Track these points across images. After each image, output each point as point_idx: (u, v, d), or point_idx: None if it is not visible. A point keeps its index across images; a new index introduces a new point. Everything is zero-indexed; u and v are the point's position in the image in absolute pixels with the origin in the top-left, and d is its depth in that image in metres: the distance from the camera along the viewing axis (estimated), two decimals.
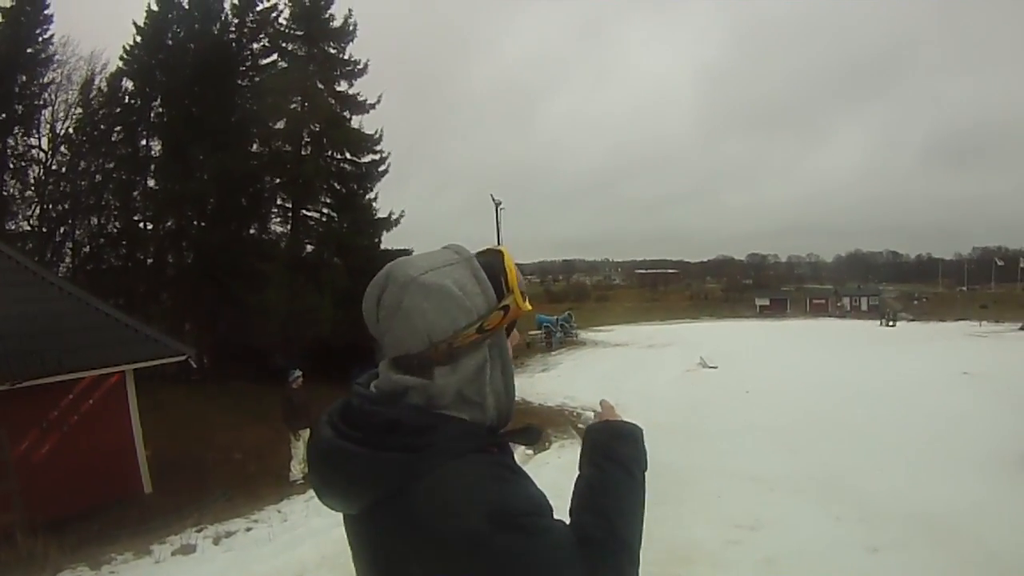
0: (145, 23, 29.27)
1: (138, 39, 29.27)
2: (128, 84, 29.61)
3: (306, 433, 13.74)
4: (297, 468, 13.55)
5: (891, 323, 61.26)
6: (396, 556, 1.20)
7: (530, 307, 1.33)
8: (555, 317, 46.69)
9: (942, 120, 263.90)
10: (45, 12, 28.11)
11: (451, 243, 1.38)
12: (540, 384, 23.90)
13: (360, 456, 1.21)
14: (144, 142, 29.79)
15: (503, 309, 1.28)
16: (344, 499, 1.27)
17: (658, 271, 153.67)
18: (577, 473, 1.41)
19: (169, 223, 28.71)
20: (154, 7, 29.37)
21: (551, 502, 1.25)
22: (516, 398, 1.36)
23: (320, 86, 28.28)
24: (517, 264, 1.35)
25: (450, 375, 1.27)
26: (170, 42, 29.53)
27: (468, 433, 1.25)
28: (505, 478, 1.20)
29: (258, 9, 29.97)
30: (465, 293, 1.27)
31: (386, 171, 28.51)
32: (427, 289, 1.27)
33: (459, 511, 1.13)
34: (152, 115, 29.43)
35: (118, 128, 29.34)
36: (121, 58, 29.49)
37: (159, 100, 29.26)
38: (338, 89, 28.58)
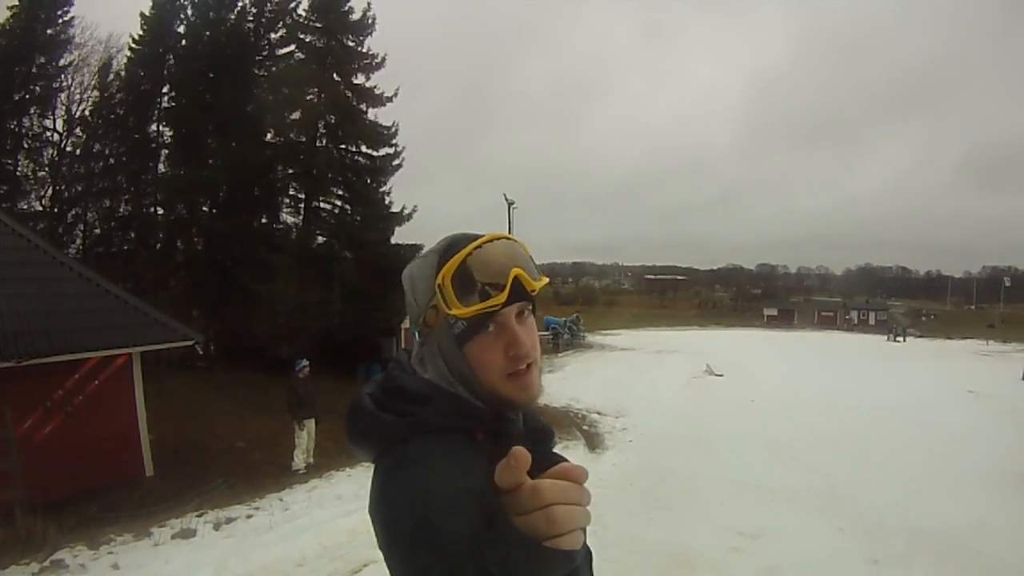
0: (152, 12, 29.38)
1: (143, 28, 29.37)
2: (140, 71, 29.64)
3: (310, 423, 13.73)
4: (300, 458, 13.53)
5: (899, 339, 61.19)
6: (371, 509, 1.25)
7: (461, 311, 1.28)
8: (563, 319, 46.76)
9: (978, 140, 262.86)
10: None
11: (501, 232, 1.40)
12: (546, 385, 23.78)
13: (368, 413, 1.31)
14: (157, 128, 29.84)
15: (434, 308, 1.33)
16: (358, 449, 1.36)
17: (667, 277, 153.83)
18: None
19: (180, 210, 28.70)
20: None
21: None
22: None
23: (337, 78, 28.18)
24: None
25: (420, 348, 1.40)
26: (182, 30, 29.65)
27: (456, 411, 1.29)
28: (448, 468, 1.19)
29: (275, 0, 30.00)
30: (413, 287, 1.38)
31: (400, 165, 28.35)
32: (404, 273, 1.41)
33: (392, 490, 1.19)
34: (164, 102, 29.47)
35: (132, 113, 29.36)
36: (129, 47, 29.62)
37: (170, 87, 29.30)
38: (355, 82, 28.49)
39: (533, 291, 1.34)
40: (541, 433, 1.47)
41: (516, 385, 1.34)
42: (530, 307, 1.37)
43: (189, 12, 29.92)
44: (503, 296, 1.28)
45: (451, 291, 1.28)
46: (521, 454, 0.95)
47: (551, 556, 0.92)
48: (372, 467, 1.33)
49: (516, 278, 1.30)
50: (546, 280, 1.39)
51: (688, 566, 8.21)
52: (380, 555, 1.22)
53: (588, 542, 1.35)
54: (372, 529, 1.25)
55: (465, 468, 1.17)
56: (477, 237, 1.34)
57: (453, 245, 1.34)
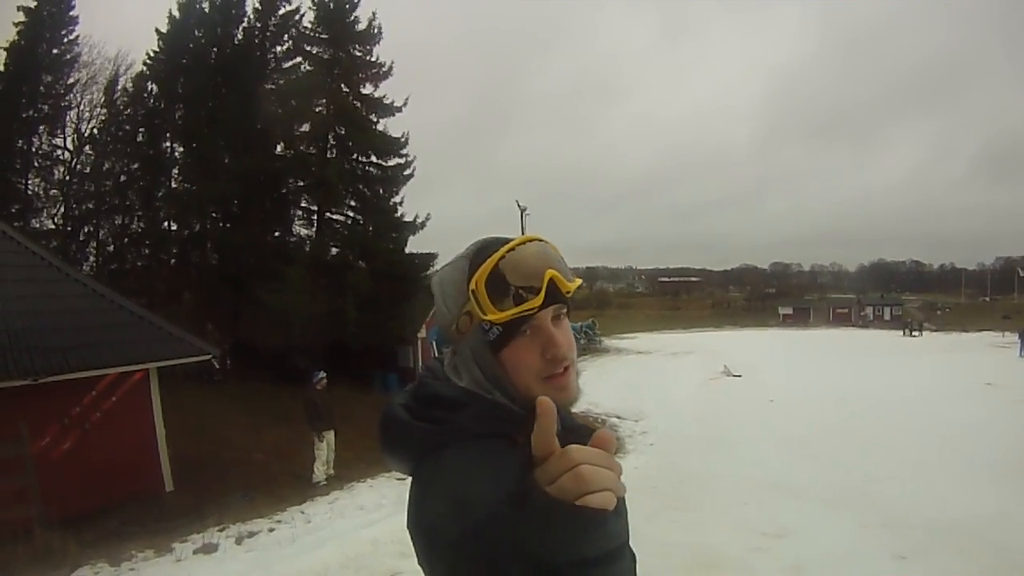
0: (168, 29, 29.47)
1: (160, 45, 29.46)
2: (152, 87, 29.79)
3: (329, 435, 13.67)
4: (320, 470, 13.47)
5: (914, 333, 61.24)
6: (410, 523, 1.24)
7: (497, 316, 1.25)
8: (578, 324, 46.71)
9: (990, 129, 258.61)
10: (70, 13, 28.35)
11: (533, 234, 1.37)
12: None
13: (402, 422, 1.29)
14: (167, 144, 29.94)
15: (467, 314, 1.31)
16: (393, 461, 1.33)
17: (680, 279, 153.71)
18: None
19: (193, 224, 28.80)
20: (176, 13, 29.57)
21: None
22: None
23: (345, 89, 28.24)
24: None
25: (453, 355, 1.37)
26: (192, 46, 29.70)
27: (493, 416, 1.26)
28: (491, 474, 1.14)
29: (280, 13, 30.05)
30: (444, 293, 1.36)
31: (411, 175, 28.37)
32: (433, 280, 1.40)
33: (435, 500, 1.16)
34: (176, 117, 29.54)
35: (142, 129, 29.51)
36: (144, 63, 29.72)
37: (182, 104, 29.40)
38: (363, 92, 28.52)
39: (568, 292, 1.31)
40: (579, 434, 1.33)
41: (554, 387, 1.29)
42: (564, 309, 1.34)
43: (196, 32, 30.00)
44: (539, 299, 1.26)
45: (485, 296, 1.26)
46: (545, 402, 0.97)
47: (583, 515, 0.91)
48: (406, 480, 1.30)
49: (551, 280, 1.27)
50: (579, 281, 1.36)
51: (712, 567, 8.19)
52: (406, 565, 1.15)
53: None
54: (403, 538, 1.22)
55: (508, 473, 1.09)
56: (507, 240, 1.32)
57: (484, 249, 1.32)
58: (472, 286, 1.26)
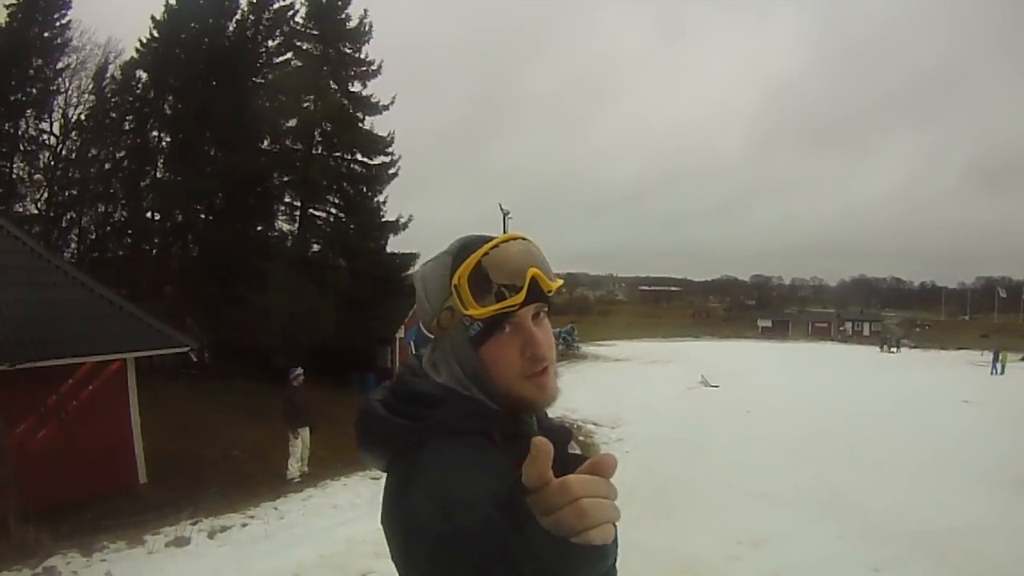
0: (163, 17, 29.21)
1: (155, 33, 29.15)
2: (142, 75, 29.56)
3: (305, 432, 13.64)
4: (295, 467, 13.45)
5: (892, 349, 61.64)
6: (385, 518, 1.22)
7: (478, 312, 1.25)
8: (557, 330, 46.70)
9: (974, 149, 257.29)
10: None
11: (516, 232, 1.37)
12: None
13: (380, 418, 1.27)
14: (155, 134, 29.72)
15: (449, 309, 1.30)
16: (369, 456, 1.33)
17: (661, 288, 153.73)
18: None
19: (176, 216, 28.66)
20: (172, 2, 29.31)
21: None
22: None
23: (333, 86, 28.25)
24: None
25: (432, 352, 1.37)
26: (184, 36, 29.44)
27: (474, 413, 1.26)
28: (469, 470, 1.15)
29: (274, 7, 29.95)
30: (426, 288, 1.35)
31: (396, 174, 28.51)
32: (415, 275, 1.41)
33: (412, 496, 1.14)
34: (165, 107, 29.38)
35: (130, 118, 29.30)
36: (136, 50, 29.39)
37: (171, 94, 29.22)
38: (351, 89, 28.57)
39: (550, 291, 1.31)
40: (557, 434, 1.35)
41: (533, 386, 1.30)
42: (546, 308, 1.33)
43: (189, 23, 29.80)
44: (520, 296, 1.25)
45: (467, 291, 1.25)
46: (542, 443, 0.97)
47: (583, 552, 0.92)
48: (381, 476, 1.30)
49: (533, 278, 1.27)
50: (561, 281, 1.36)
51: (691, 573, 8.20)
52: (380, 565, 1.18)
53: None
54: (377, 538, 1.24)
55: (486, 470, 1.14)
56: (491, 238, 1.31)
57: (467, 246, 1.32)
58: (454, 281, 1.27)
